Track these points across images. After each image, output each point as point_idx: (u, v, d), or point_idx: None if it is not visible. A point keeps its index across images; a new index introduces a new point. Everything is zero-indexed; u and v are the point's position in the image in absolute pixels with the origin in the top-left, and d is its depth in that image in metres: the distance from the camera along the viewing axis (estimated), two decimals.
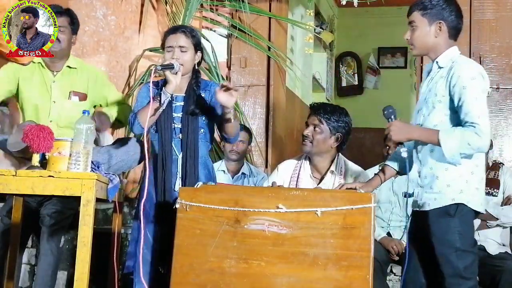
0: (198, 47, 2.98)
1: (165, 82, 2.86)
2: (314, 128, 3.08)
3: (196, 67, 3.01)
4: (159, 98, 2.83)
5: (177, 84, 2.83)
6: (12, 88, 3.19)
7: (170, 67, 2.82)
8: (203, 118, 2.95)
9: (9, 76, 3.17)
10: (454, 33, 2.60)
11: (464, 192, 2.46)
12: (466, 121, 2.40)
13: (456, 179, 2.46)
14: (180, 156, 2.91)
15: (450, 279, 2.45)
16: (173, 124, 2.93)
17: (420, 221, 2.55)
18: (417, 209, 2.58)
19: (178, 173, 2.91)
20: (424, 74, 2.71)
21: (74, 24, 3.23)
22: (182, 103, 2.95)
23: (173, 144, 2.93)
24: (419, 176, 2.58)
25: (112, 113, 3.21)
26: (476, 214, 2.53)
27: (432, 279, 2.58)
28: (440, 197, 2.48)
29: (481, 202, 2.52)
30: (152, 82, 2.86)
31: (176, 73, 2.83)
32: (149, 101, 2.80)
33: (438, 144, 2.42)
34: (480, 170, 2.53)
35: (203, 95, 2.97)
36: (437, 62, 2.58)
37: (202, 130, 2.95)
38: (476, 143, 2.37)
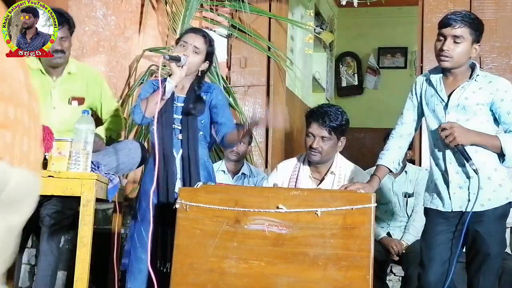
0: (209, 56, 2.97)
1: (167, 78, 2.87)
2: (322, 138, 3.05)
3: (199, 74, 2.99)
4: (164, 87, 2.80)
5: (181, 76, 2.82)
6: None
7: (177, 59, 2.81)
8: (202, 121, 2.94)
9: None
10: None
11: None
12: None
13: (505, 179, 2.63)
14: (178, 157, 2.90)
15: (492, 277, 2.60)
16: (173, 125, 2.93)
17: (469, 221, 2.59)
18: (459, 209, 2.62)
19: (177, 174, 2.91)
20: (438, 81, 2.71)
21: (71, 28, 3.22)
22: (182, 104, 2.94)
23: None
24: (464, 176, 2.63)
25: (106, 133, 3.22)
26: None
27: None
28: (495, 197, 2.60)
29: None
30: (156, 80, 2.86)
31: (182, 66, 2.82)
32: (153, 91, 2.83)
33: (500, 150, 2.56)
34: None
35: (204, 98, 2.96)
36: (477, 76, 2.64)
37: (201, 132, 2.94)
38: None
